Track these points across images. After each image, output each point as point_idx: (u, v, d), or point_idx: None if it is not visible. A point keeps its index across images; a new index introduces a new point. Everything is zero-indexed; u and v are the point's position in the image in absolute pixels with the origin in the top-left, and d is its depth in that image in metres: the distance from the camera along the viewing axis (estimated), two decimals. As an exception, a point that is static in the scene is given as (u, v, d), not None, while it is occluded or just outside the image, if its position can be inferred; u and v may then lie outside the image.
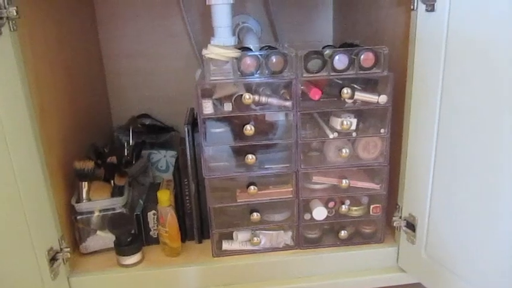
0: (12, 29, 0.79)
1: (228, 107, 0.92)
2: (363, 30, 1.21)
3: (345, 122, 0.93)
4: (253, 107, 0.94)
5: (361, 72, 0.91)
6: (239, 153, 0.97)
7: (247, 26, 1.34)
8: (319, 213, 1.01)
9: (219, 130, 0.96)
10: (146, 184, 1.23)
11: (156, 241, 1.07)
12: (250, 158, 0.94)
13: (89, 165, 1.01)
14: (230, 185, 1.00)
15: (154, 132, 1.41)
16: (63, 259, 0.95)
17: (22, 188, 0.81)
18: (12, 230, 0.80)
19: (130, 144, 1.26)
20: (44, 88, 0.95)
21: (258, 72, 0.91)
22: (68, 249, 0.95)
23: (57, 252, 0.93)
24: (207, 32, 1.39)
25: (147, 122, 1.46)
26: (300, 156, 0.96)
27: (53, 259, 0.92)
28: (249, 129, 0.92)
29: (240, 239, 1.03)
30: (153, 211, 1.05)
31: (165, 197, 1.00)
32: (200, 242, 1.09)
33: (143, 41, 1.41)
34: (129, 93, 1.47)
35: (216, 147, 0.96)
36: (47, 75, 0.98)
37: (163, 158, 1.35)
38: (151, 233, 1.08)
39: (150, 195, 1.12)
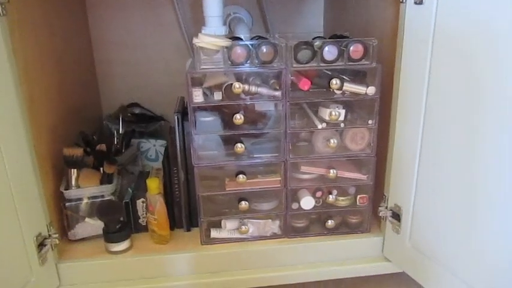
0: (1, 14, 0.78)
1: (218, 96, 0.93)
2: (353, 23, 1.22)
3: (333, 113, 0.94)
4: (243, 96, 0.94)
5: (350, 63, 0.92)
6: (228, 142, 0.98)
7: (238, 16, 1.34)
8: (307, 202, 1.03)
9: (209, 119, 0.97)
10: (135, 173, 1.24)
11: (145, 229, 1.08)
12: (240, 147, 0.95)
13: (78, 152, 1.02)
14: (219, 173, 1.01)
15: (144, 121, 1.41)
16: (51, 245, 0.95)
17: (11, 174, 0.81)
18: (0, 214, 0.80)
19: (120, 132, 1.26)
20: (33, 75, 0.94)
21: (248, 62, 0.92)
22: (57, 235, 0.96)
23: (46, 238, 0.94)
24: (198, 22, 1.40)
25: (137, 111, 1.47)
26: (289, 146, 0.97)
27: (41, 245, 0.92)
28: (239, 118, 0.93)
29: (229, 227, 1.04)
30: (142, 199, 1.06)
31: (154, 184, 1.00)
32: (188, 230, 1.10)
33: (133, 30, 1.41)
34: (118, 82, 1.46)
35: (205, 136, 0.97)
36: (36, 63, 0.97)
37: (153, 147, 1.35)
38: (140, 220, 1.08)
39: (139, 183, 1.13)
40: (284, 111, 0.95)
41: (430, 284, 0.94)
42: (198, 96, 0.92)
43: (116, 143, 1.14)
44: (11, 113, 0.83)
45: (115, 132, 1.26)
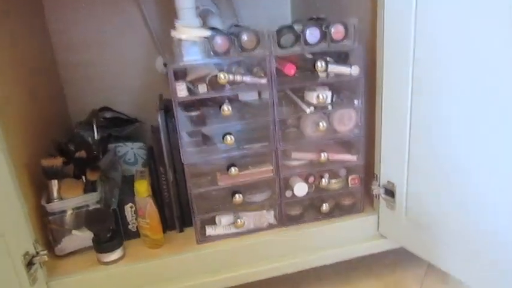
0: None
1: (202, 88, 0.90)
2: (326, 5, 1.21)
3: (320, 96, 0.93)
4: (227, 87, 0.92)
5: (333, 44, 0.92)
6: (217, 135, 0.95)
7: (207, 8, 1.31)
8: (300, 189, 1.02)
9: (195, 113, 0.94)
10: (117, 179, 1.18)
11: (136, 235, 1.03)
12: (229, 139, 0.93)
13: (58, 162, 0.96)
14: (209, 169, 0.98)
15: (117, 125, 1.36)
16: (40, 263, 0.89)
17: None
18: None
19: (96, 138, 1.20)
20: (2, 84, 0.88)
21: (231, 51, 0.89)
22: (45, 252, 0.90)
23: (34, 257, 0.88)
24: (164, 18, 1.36)
25: (109, 115, 1.40)
26: (279, 134, 0.96)
27: (29, 264, 0.86)
28: (226, 109, 0.91)
29: (224, 222, 1.02)
30: (130, 204, 1.01)
31: (142, 187, 0.96)
32: (182, 230, 1.06)
33: (96, 30, 1.34)
34: (85, 86, 1.40)
35: (192, 131, 0.94)
36: (3, 70, 0.91)
37: (131, 151, 1.30)
38: (129, 227, 1.04)
39: (124, 188, 1.08)
40: (271, 99, 0.93)
41: (429, 256, 0.95)
42: (182, 91, 0.88)
43: (92, 149, 1.09)
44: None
45: (89, 138, 1.20)
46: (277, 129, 0.95)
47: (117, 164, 1.25)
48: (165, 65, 1.40)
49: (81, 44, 1.35)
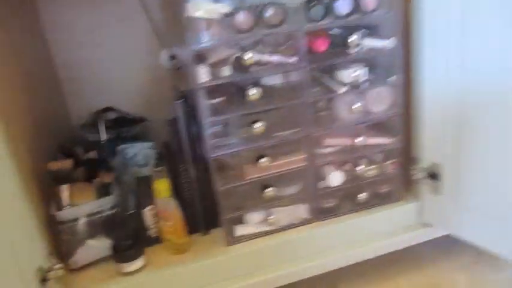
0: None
1: (226, 71, 0.80)
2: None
3: (355, 73, 0.85)
4: (253, 69, 0.82)
5: (365, 16, 0.83)
6: (244, 124, 0.86)
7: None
8: (335, 178, 0.93)
9: (218, 100, 0.84)
10: (129, 181, 1.08)
11: (157, 240, 0.93)
12: (259, 126, 0.84)
13: (67, 164, 0.86)
14: (235, 162, 0.89)
15: (123, 125, 1.26)
16: (55, 279, 0.79)
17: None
18: None
19: (103, 140, 1.10)
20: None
21: (254, 28, 0.80)
22: (60, 265, 0.79)
23: (48, 272, 0.77)
24: (164, 11, 1.26)
25: (113, 115, 1.30)
26: (312, 117, 0.87)
27: (43, 280, 0.76)
28: (253, 93, 0.81)
29: (254, 220, 0.92)
30: (150, 206, 0.91)
31: (163, 186, 0.87)
32: (206, 233, 0.96)
33: (93, 27, 1.24)
34: (85, 86, 1.30)
35: (217, 121, 0.84)
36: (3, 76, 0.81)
37: (140, 151, 1.20)
38: (149, 232, 0.94)
39: (140, 190, 0.98)
40: (303, 79, 0.84)
41: (484, 241, 0.86)
42: (203, 75, 0.79)
43: (103, 149, 0.99)
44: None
45: (96, 141, 1.10)
46: (309, 112, 0.86)
47: (127, 166, 1.15)
48: (172, 57, 1.30)
49: (79, 42, 1.24)
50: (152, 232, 0.94)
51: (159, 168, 1.00)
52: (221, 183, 0.87)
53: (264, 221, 0.92)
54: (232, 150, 0.86)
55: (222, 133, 0.86)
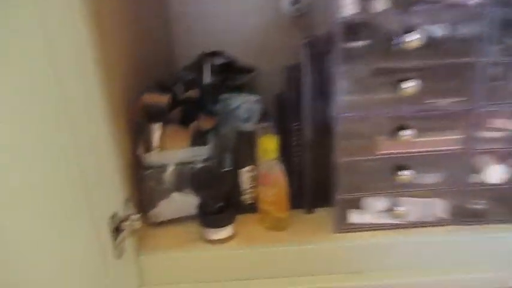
0: None
1: (381, 3, 0.59)
2: None
3: None
4: (417, 7, 0.61)
5: None
6: (388, 80, 0.65)
7: None
8: (494, 173, 0.69)
9: (360, 44, 0.64)
10: (228, 135, 0.93)
11: (251, 209, 0.77)
12: (409, 86, 0.62)
13: (163, 100, 0.72)
14: (368, 129, 0.69)
15: (230, 73, 1.11)
16: (130, 230, 0.66)
17: (78, 129, 0.52)
18: (62, 189, 0.51)
19: (207, 83, 0.96)
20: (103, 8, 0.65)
21: None
22: (138, 216, 0.66)
23: (122, 221, 0.64)
24: None
25: (220, 61, 1.16)
26: (482, 86, 0.63)
27: (116, 230, 0.63)
28: (411, 39, 0.60)
29: (375, 208, 0.72)
30: (249, 167, 0.75)
31: (271, 145, 0.70)
32: (311, 211, 0.78)
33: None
34: (194, 27, 1.16)
35: (353, 72, 0.64)
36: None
37: (244, 105, 1.04)
38: (244, 197, 0.78)
39: (240, 146, 0.82)
40: (482, 31, 0.60)
41: None
42: (351, 5, 0.59)
43: (206, 90, 0.84)
44: (80, 50, 0.53)
45: (199, 83, 0.96)
46: (481, 80, 0.63)
47: (228, 118, 1.00)
48: (295, 1, 1.11)
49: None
50: (247, 198, 0.78)
51: (266, 124, 0.83)
52: (343, 153, 0.68)
53: (389, 211, 0.71)
54: (365, 113, 0.65)
55: (356, 89, 0.66)
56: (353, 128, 0.67)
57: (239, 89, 1.08)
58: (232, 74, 1.10)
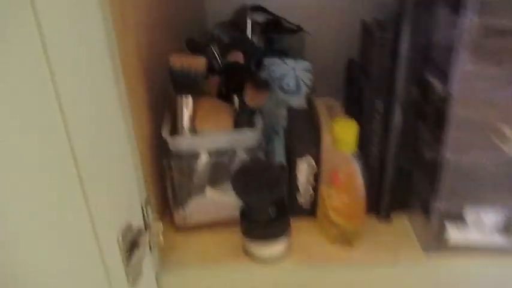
0: None
1: None
2: None
3: None
4: None
5: None
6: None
7: None
8: None
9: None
10: (277, 114, 0.73)
11: (308, 212, 0.58)
12: None
13: (198, 63, 0.52)
14: (496, 117, 0.48)
15: (274, 32, 0.90)
16: (150, 243, 0.48)
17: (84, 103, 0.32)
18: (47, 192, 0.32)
19: (248, 41, 0.76)
20: None
21: None
22: (160, 225, 0.48)
23: (139, 235, 0.46)
24: None
25: (263, 18, 0.94)
26: None
27: (131, 247, 0.44)
28: None
29: (486, 222, 0.52)
30: (309, 158, 0.55)
31: (349, 135, 0.49)
32: (388, 218, 0.59)
33: None
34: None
35: (488, 30, 0.43)
36: None
37: (291, 72, 0.83)
38: (299, 197, 0.59)
39: (292, 129, 0.62)
40: None
41: None
42: None
43: (255, 51, 0.64)
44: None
45: (240, 42, 0.76)
46: None
47: (273, 90, 0.80)
48: None
49: None
50: (304, 199, 0.58)
51: (332, 100, 0.63)
52: (456, 148, 0.47)
53: (506, 227, 0.51)
54: (496, 94, 0.44)
55: (488, 55, 0.44)
56: (475, 113, 0.46)
57: (284, 52, 0.88)
58: (275, 34, 0.91)
